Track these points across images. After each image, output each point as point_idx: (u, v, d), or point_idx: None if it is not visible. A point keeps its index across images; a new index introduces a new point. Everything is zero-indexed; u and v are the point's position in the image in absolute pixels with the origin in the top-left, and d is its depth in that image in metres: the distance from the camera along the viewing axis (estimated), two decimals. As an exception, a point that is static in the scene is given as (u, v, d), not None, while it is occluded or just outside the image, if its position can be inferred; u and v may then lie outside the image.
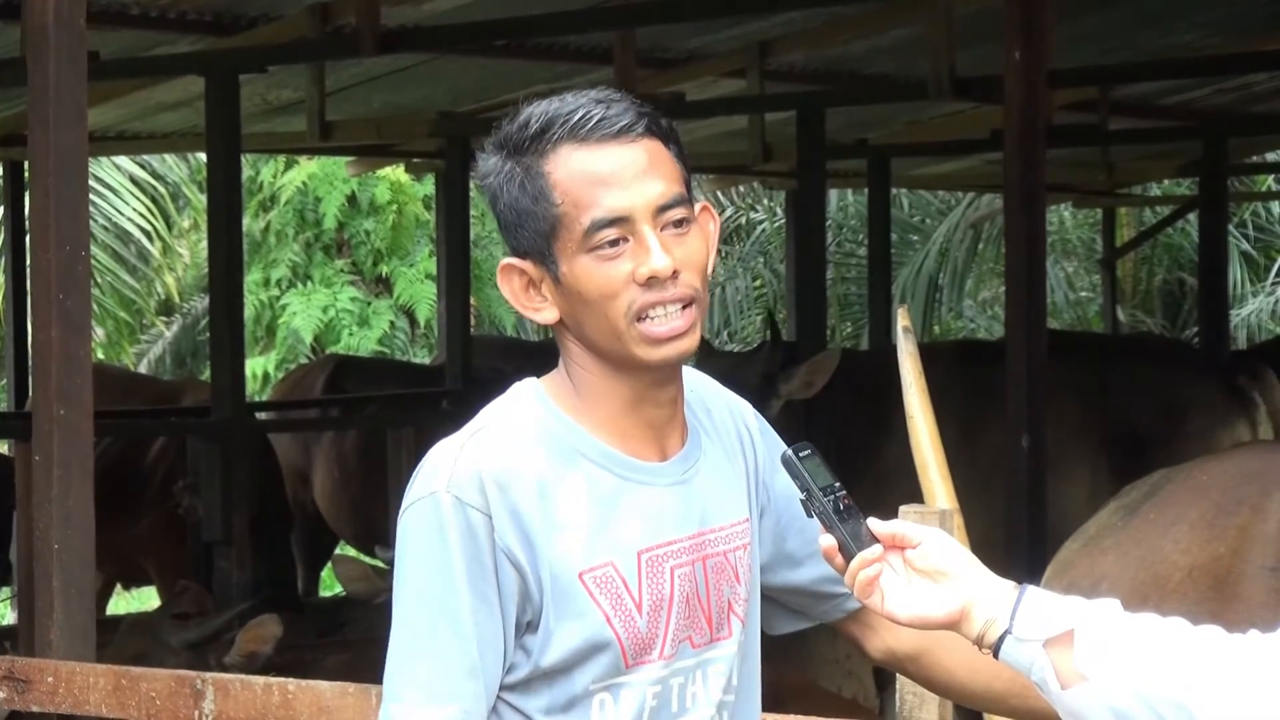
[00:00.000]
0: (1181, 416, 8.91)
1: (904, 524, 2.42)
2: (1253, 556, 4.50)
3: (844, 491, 2.39)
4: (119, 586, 12.74)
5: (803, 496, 2.40)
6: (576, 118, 2.42)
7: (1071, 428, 9.03)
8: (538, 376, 2.54)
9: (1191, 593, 4.51)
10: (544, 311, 2.47)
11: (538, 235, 2.43)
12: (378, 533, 10.20)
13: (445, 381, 12.45)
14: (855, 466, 8.74)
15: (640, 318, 2.40)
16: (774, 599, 2.64)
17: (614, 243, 2.40)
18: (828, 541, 2.39)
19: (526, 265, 2.46)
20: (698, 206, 2.48)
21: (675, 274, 2.40)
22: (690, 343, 2.43)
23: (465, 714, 2.37)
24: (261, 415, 13.10)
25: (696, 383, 2.60)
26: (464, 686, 2.37)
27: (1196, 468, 5.00)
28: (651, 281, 2.39)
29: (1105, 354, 10.89)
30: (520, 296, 2.48)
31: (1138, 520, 4.81)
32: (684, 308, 2.41)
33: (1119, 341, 15.33)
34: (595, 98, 2.44)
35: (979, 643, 2.37)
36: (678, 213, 2.42)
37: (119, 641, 6.55)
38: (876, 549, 2.38)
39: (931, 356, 9.93)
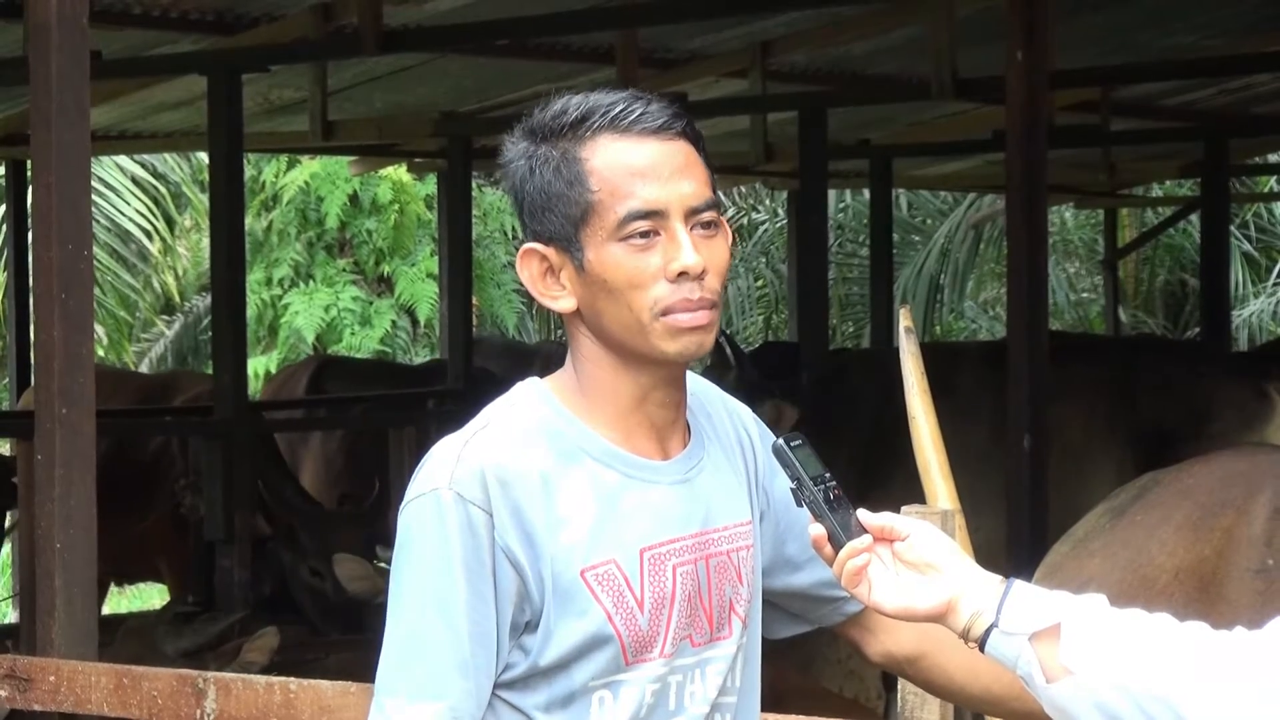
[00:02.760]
0: (1208, 416, 8.88)
1: (893, 516, 2.42)
2: (1237, 559, 4.51)
3: (834, 482, 2.40)
4: (114, 586, 12.78)
5: (793, 485, 2.41)
6: (618, 109, 2.43)
7: (1098, 427, 9.03)
8: (540, 376, 2.54)
9: (1178, 595, 4.52)
10: (561, 300, 2.46)
11: (566, 220, 2.43)
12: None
13: (438, 381, 12.59)
14: (883, 469, 8.72)
15: (665, 312, 2.41)
16: (773, 603, 2.63)
17: (645, 234, 2.41)
18: (817, 531, 2.40)
19: (549, 251, 2.45)
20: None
21: (704, 273, 2.41)
22: (707, 338, 2.43)
23: (452, 711, 2.36)
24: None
25: (697, 386, 2.60)
26: (454, 684, 2.36)
27: (1183, 470, 5.01)
28: (681, 278, 2.40)
29: (1131, 354, 10.87)
30: (538, 282, 2.47)
31: (1124, 522, 4.83)
32: (706, 307, 2.42)
33: (1143, 342, 15.31)
34: (633, 94, 2.45)
35: (965, 636, 2.38)
36: (708, 215, 2.44)
37: (115, 648, 6.54)
38: (865, 539, 2.39)
39: (957, 359, 9.96)
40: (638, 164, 2.41)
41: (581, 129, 2.43)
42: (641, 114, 2.43)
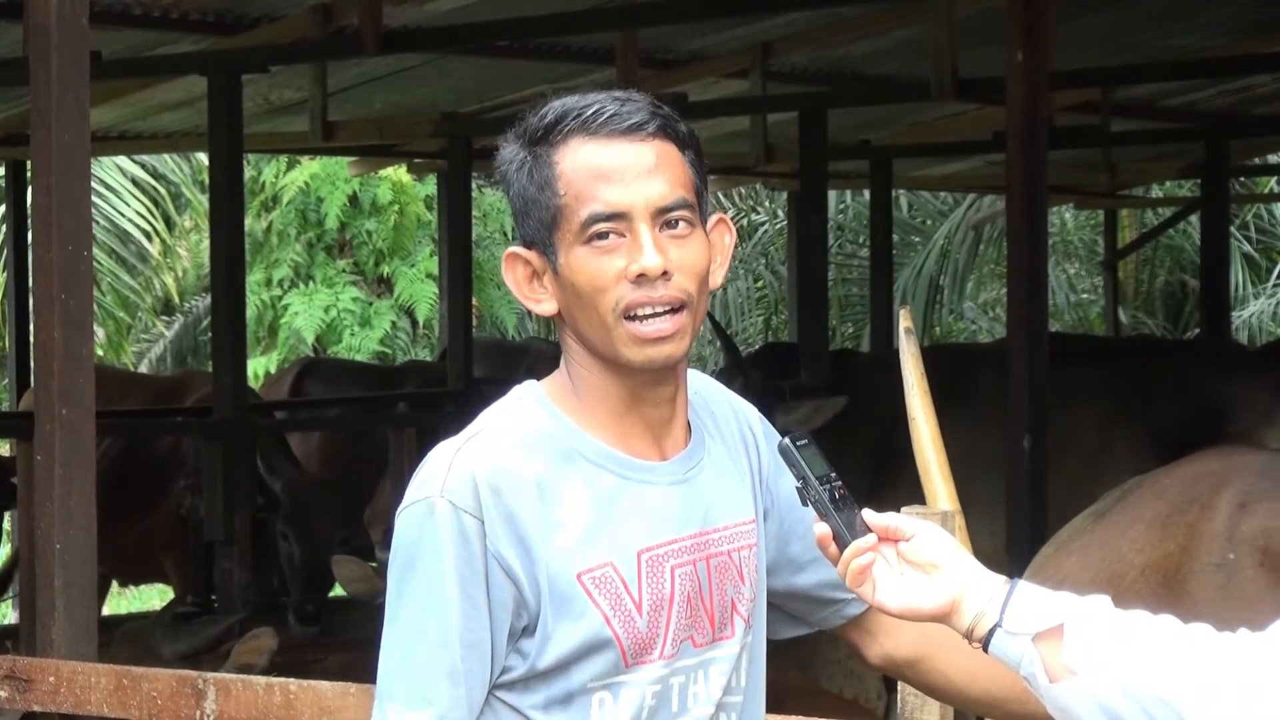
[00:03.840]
0: (1225, 416, 8.86)
1: (898, 516, 2.42)
2: (1199, 553, 4.56)
3: (840, 482, 2.40)
4: (115, 585, 12.80)
5: (799, 485, 2.41)
6: (590, 111, 2.42)
7: (1115, 432, 9.01)
8: (537, 379, 2.53)
9: (1144, 590, 4.57)
10: (544, 303, 2.47)
11: (541, 225, 2.43)
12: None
13: (415, 382, 12.74)
14: (897, 468, 8.71)
15: (628, 316, 2.39)
16: (774, 604, 2.63)
17: (609, 236, 2.40)
18: (822, 529, 2.40)
19: (531, 255, 2.46)
20: (714, 218, 2.48)
21: (667, 275, 2.39)
22: (676, 347, 2.41)
23: (441, 718, 2.37)
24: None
25: (701, 385, 2.59)
26: (443, 690, 2.37)
27: (1163, 472, 5.08)
28: (641, 279, 2.38)
29: (1145, 356, 10.85)
30: (523, 286, 2.48)
31: (1104, 523, 4.89)
32: (673, 312, 2.40)
33: (1156, 344, 15.30)
34: (615, 95, 2.44)
35: (969, 636, 2.38)
36: (678, 216, 2.42)
37: (112, 651, 6.53)
38: (870, 538, 2.39)
39: (970, 360, 9.93)
40: (603, 166, 2.40)
41: (555, 132, 2.42)
42: (612, 115, 2.41)
